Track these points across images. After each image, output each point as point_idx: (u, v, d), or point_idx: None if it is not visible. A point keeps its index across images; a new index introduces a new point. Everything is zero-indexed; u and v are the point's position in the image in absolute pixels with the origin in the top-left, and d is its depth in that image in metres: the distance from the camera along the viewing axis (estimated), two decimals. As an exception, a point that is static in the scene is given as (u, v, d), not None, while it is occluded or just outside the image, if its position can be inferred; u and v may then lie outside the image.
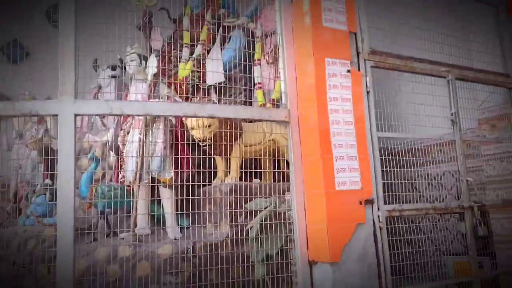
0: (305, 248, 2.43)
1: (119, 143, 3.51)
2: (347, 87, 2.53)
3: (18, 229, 3.40)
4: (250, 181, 3.43)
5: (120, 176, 3.42)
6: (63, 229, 2.02)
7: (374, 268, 2.43)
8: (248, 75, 3.79)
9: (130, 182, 3.35)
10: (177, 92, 4.63)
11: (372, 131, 2.58)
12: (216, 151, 3.36)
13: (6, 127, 4.71)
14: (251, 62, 4.42)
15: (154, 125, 3.43)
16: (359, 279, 2.35)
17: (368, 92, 2.61)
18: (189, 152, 3.46)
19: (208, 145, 3.31)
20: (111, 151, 3.55)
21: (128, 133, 3.51)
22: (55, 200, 3.34)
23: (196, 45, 4.97)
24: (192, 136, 3.33)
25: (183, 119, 3.39)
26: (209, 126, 3.26)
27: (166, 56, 4.90)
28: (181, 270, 2.93)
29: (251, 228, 2.72)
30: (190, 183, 2.87)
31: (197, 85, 4.70)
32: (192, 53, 4.96)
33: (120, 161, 3.48)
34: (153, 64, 3.47)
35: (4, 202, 4.32)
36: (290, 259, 2.53)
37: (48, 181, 3.54)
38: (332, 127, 2.43)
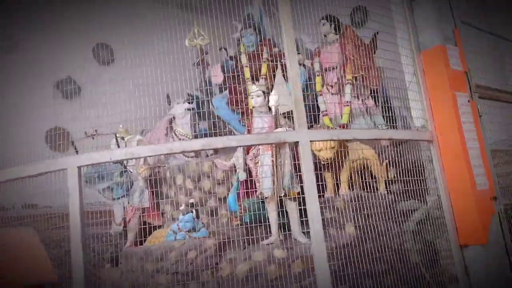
0: (455, 235, 3.25)
1: (249, 165, 4.16)
2: (469, 113, 3.43)
3: (175, 244, 3.90)
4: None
5: (257, 193, 4.06)
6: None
7: (503, 248, 3.30)
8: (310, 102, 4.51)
9: (267, 198, 4.01)
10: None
11: (486, 145, 3.50)
12: (329, 167, 4.11)
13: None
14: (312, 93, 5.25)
15: (281, 150, 4.12)
16: (498, 257, 3.21)
17: (480, 116, 3.53)
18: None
19: (330, 163, 4.06)
20: (240, 172, 4.16)
21: (256, 156, 4.17)
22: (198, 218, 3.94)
23: (258, 80, 5.70)
24: (317, 156, 4.06)
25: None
26: (333, 147, 4.02)
27: (233, 90, 5.59)
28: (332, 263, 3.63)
29: (410, 222, 3.49)
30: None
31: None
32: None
33: (252, 180, 4.12)
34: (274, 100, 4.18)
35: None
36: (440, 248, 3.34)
37: (192, 200, 4.08)
38: (468, 143, 3.31)
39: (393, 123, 4.27)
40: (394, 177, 4.24)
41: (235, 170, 4.34)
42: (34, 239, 1.77)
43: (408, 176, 3.63)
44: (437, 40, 3.38)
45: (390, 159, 4.34)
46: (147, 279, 3.95)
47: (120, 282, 4.22)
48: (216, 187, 4.41)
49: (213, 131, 5.08)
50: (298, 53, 5.82)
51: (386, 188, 4.37)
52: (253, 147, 4.22)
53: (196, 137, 5.48)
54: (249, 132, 4.33)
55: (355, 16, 5.78)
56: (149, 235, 4.56)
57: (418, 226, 3.36)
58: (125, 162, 4.61)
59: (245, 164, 4.22)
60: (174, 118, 5.74)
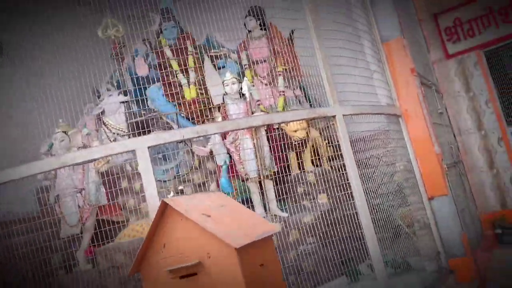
0: (424, 190, 4.06)
1: (230, 149, 4.31)
2: (421, 94, 4.28)
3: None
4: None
5: (244, 174, 4.25)
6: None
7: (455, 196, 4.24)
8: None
9: (253, 178, 4.24)
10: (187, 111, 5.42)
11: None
12: (301, 146, 4.58)
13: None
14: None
15: (258, 133, 4.40)
16: (455, 203, 4.12)
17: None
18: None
19: (300, 142, 4.51)
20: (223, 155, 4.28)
21: (235, 141, 4.36)
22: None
23: (186, 72, 5.79)
24: (291, 136, 4.46)
25: (282, 125, 4.47)
26: (305, 128, 4.47)
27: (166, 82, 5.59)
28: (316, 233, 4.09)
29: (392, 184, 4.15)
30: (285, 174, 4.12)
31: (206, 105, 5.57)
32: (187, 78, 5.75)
33: (235, 163, 4.30)
34: (247, 86, 4.43)
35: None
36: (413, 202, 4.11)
37: (181, 187, 3.98)
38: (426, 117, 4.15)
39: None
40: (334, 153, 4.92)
41: (212, 156, 4.44)
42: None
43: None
44: (395, 34, 4.13)
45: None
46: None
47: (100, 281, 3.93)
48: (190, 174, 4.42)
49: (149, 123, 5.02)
50: (224, 48, 6.13)
51: (329, 164, 5.01)
52: (230, 133, 4.39)
53: (131, 130, 5.27)
54: (224, 118, 4.47)
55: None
56: (111, 233, 4.29)
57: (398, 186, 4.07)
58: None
59: (226, 148, 4.36)
60: (103, 112, 5.41)
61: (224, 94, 4.51)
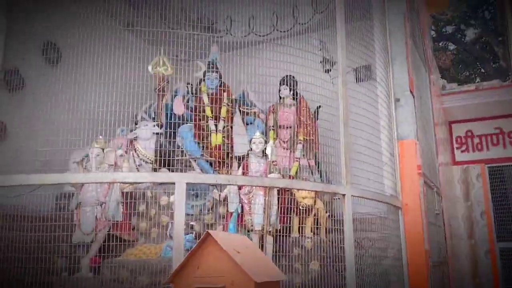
0: (407, 280, 4.44)
1: (243, 199, 4.77)
2: (422, 193, 4.76)
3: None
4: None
5: (249, 225, 4.69)
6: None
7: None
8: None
9: (258, 231, 4.68)
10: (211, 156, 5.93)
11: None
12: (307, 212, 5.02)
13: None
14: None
15: (270, 192, 4.87)
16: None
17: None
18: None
19: (307, 209, 4.96)
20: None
21: (250, 193, 4.83)
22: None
23: (217, 120, 6.35)
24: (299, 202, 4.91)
25: (294, 190, 4.94)
26: (312, 197, 4.94)
27: (197, 125, 6.14)
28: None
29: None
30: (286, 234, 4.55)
31: (227, 153, 6.08)
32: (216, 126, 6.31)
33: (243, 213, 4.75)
34: (271, 149, 4.95)
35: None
36: None
37: (194, 223, 4.41)
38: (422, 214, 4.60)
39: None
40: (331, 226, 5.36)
41: (225, 203, 4.90)
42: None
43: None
44: (411, 135, 4.69)
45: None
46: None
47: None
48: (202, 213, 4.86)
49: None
50: (255, 106, 6.72)
51: (326, 235, 5.43)
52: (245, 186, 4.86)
53: (156, 161, 5.76)
54: (243, 174, 4.95)
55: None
56: (117, 249, 4.66)
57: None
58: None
59: (240, 199, 4.83)
60: (137, 137, 5.93)
61: (249, 150, 5.02)
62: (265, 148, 4.95)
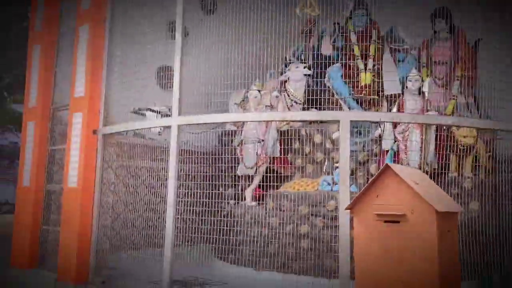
0: None
1: (398, 138, 4.77)
2: None
3: (334, 194, 4.44)
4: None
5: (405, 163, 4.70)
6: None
7: None
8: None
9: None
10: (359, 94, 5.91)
11: None
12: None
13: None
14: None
15: (427, 129, 4.76)
16: None
17: None
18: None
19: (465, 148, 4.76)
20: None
21: (405, 131, 4.78)
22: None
23: (366, 59, 6.24)
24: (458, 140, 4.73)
25: (453, 128, 4.77)
26: (474, 136, 4.73)
27: (346, 64, 6.11)
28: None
29: None
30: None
31: (377, 92, 6.00)
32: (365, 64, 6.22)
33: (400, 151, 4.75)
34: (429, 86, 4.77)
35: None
36: None
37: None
38: None
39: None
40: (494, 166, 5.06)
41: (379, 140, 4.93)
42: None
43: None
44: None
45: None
46: (301, 219, 4.51)
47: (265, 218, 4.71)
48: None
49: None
50: (405, 42, 6.43)
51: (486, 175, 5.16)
52: (401, 123, 4.82)
53: (305, 102, 5.95)
54: (398, 111, 4.88)
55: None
56: (278, 182, 5.04)
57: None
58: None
59: (395, 136, 4.82)
60: (288, 79, 6.16)
61: (404, 88, 4.92)
62: (422, 85, 4.79)
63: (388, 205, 2.18)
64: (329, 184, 4.55)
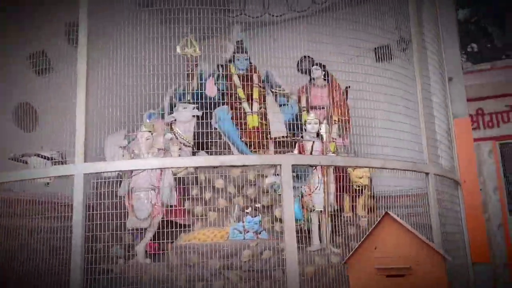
0: (469, 254, 4.55)
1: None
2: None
3: (248, 243, 4.13)
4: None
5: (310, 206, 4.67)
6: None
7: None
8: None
9: (320, 211, 4.67)
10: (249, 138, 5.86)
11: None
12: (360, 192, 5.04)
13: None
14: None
15: (327, 171, 4.85)
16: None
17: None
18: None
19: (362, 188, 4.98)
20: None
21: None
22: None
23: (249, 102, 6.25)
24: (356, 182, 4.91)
25: (349, 169, 4.93)
26: (368, 176, 4.96)
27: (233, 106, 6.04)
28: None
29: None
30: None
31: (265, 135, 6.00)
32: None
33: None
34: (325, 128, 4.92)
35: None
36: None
37: (259, 205, 4.34)
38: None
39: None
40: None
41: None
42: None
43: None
44: (464, 113, 4.76)
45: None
46: (214, 275, 4.09)
47: (169, 277, 4.16)
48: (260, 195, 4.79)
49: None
50: (280, 87, 6.62)
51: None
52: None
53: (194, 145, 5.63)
54: (299, 152, 4.88)
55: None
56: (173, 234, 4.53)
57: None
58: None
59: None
60: (175, 120, 5.77)
61: (303, 131, 4.97)
62: (320, 128, 4.90)
63: (389, 257, 2.01)
64: (240, 232, 4.24)
